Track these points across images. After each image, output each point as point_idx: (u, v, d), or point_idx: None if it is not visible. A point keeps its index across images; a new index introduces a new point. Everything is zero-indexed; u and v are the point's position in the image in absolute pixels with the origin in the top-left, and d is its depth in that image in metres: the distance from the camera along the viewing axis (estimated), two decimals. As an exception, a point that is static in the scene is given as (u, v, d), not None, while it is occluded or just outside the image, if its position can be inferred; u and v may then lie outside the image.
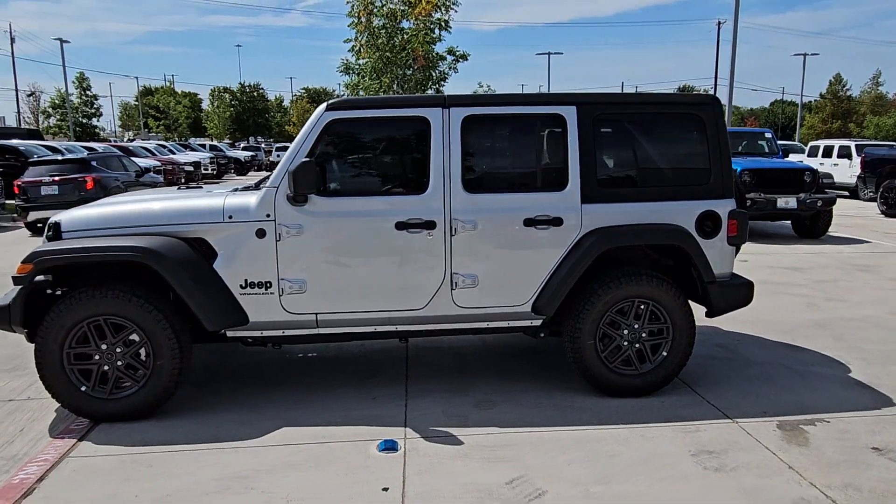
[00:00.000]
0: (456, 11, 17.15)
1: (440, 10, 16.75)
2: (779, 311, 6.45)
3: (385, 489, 3.18)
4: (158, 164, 23.82)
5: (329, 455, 3.51)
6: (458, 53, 17.98)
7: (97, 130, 42.06)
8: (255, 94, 55.88)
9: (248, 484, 3.23)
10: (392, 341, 5.03)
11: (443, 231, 4.04)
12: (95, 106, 40.71)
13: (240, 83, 53.88)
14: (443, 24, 16.96)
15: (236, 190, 4.31)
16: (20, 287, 3.80)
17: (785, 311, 6.47)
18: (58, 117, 41.07)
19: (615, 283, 4.10)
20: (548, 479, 3.25)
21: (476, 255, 4.10)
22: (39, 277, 3.86)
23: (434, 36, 17.07)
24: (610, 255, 4.25)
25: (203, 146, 34.40)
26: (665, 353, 4.25)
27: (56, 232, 3.98)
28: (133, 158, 21.26)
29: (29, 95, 45.97)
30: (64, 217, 4.06)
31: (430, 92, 18.07)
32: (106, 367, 3.87)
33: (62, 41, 38.07)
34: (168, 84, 60.81)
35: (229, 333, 4.09)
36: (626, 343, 4.22)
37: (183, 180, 25.98)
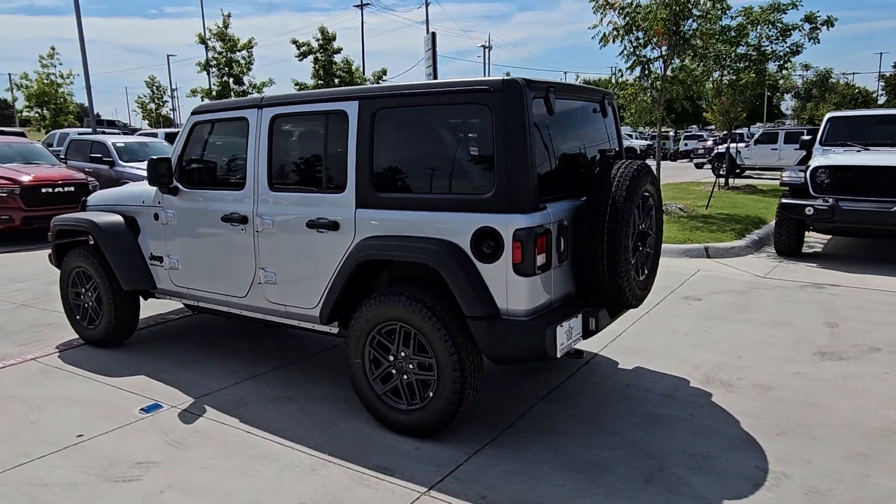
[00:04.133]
0: None
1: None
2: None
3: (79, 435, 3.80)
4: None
5: (110, 404, 4.27)
6: (817, 19, 14.57)
7: None
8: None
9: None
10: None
11: (252, 227, 4.24)
12: None
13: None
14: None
15: None
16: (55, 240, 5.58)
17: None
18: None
19: (375, 300, 3.65)
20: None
21: (274, 253, 4.17)
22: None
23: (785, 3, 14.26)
24: (393, 268, 3.76)
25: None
26: (431, 394, 3.56)
27: (83, 206, 5.64)
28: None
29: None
30: (91, 196, 5.70)
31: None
32: (87, 305, 5.36)
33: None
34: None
35: (157, 295, 5.13)
36: (394, 371, 3.70)
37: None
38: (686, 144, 38.38)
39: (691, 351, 5.02)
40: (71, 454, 3.57)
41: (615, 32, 11.01)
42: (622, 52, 11.22)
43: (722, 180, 17.17)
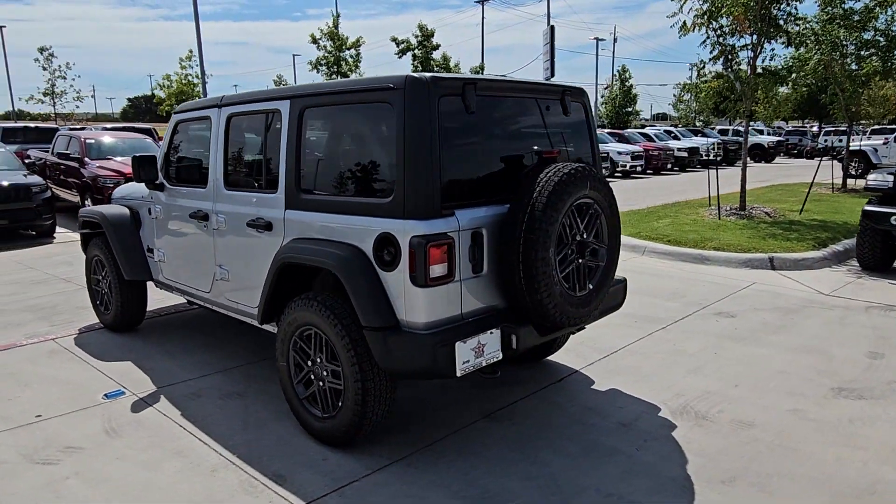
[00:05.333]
0: None
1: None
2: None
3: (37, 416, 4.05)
4: (640, 149, 24.84)
5: (84, 387, 4.52)
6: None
7: None
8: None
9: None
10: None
11: (211, 224, 4.32)
12: None
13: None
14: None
15: None
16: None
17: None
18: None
19: (295, 303, 3.58)
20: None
21: (227, 251, 4.22)
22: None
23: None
24: (325, 272, 3.69)
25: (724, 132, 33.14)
26: (340, 404, 3.44)
27: (111, 197, 6.03)
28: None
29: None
30: (117, 188, 6.07)
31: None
32: (103, 291, 5.73)
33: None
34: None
35: (157, 286, 5.39)
36: (313, 377, 3.61)
37: (669, 165, 26.36)
38: (826, 141, 34.90)
39: (684, 375, 4.50)
40: (19, 433, 3.82)
41: (697, 20, 10.16)
42: (704, 41, 10.34)
43: (839, 181, 15.42)
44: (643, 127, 38.51)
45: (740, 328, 5.50)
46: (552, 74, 49.48)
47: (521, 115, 3.64)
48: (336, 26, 24.12)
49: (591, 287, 3.55)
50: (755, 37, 10.02)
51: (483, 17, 52.05)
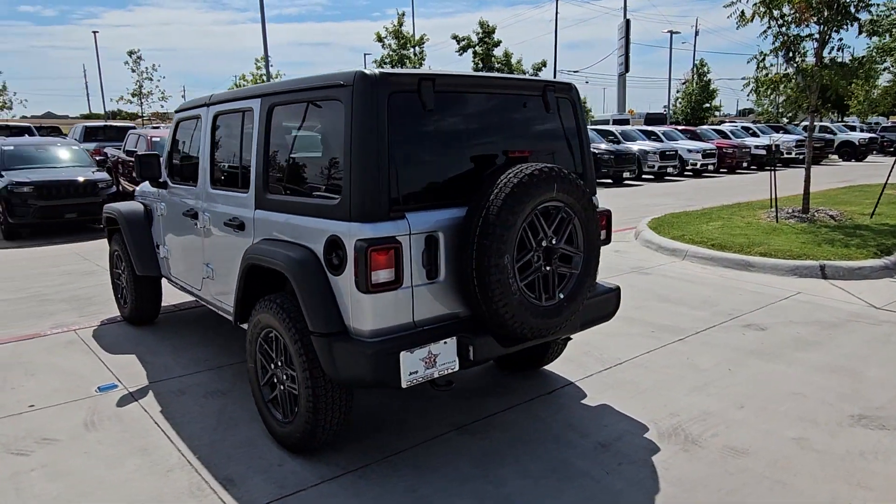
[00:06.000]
0: None
1: None
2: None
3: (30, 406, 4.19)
4: (712, 147, 23.69)
5: (83, 378, 4.64)
6: None
7: None
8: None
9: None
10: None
11: (200, 222, 4.33)
12: None
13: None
14: None
15: None
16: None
17: None
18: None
19: (259, 305, 3.52)
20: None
21: (211, 249, 4.23)
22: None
23: None
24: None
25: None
26: (297, 409, 3.36)
27: (133, 193, 6.21)
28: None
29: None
30: (140, 185, 6.24)
31: None
32: (122, 285, 5.90)
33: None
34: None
35: (169, 281, 5.50)
36: (276, 380, 3.55)
37: (745, 164, 25.02)
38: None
39: (687, 393, 4.16)
40: (6, 422, 3.95)
41: (756, 8, 9.50)
42: (764, 31, 9.66)
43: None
44: (721, 123, 36.76)
45: (767, 342, 5.06)
46: (626, 70, 48.07)
47: (491, 112, 3.43)
48: (400, 24, 24.28)
49: (561, 297, 3.31)
50: (821, 26, 9.26)
51: (557, 13, 51.25)
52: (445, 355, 3.08)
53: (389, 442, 3.59)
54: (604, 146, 20.36)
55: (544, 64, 20.45)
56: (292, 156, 3.56)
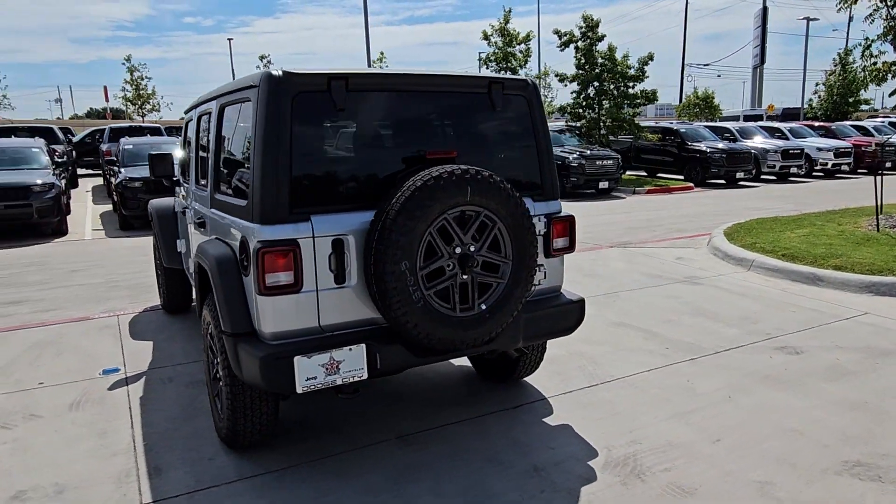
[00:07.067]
0: None
1: None
2: None
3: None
4: (847, 145, 21.40)
5: (97, 360, 5.01)
6: None
7: None
8: None
9: (67, 353, 5.23)
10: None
11: (187, 219, 4.53)
12: None
13: None
14: None
15: None
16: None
17: None
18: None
19: (205, 303, 3.61)
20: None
21: (193, 246, 4.39)
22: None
23: None
24: None
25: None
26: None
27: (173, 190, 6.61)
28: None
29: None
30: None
31: None
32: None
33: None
34: None
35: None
36: (218, 375, 3.62)
37: (888, 164, 22.35)
38: None
39: (663, 419, 3.77)
40: (12, 397, 4.33)
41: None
42: (870, 15, 8.55)
43: None
44: (872, 118, 33.01)
45: (792, 368, 4.47)
46: (761, 62, 44.68)
47: (420, 112, 3.29)
48: (506, 21, 24.01)
49: (483, 307, 3.10)
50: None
51: (687, 3, 48.45)
52: (351, 362, 2.99)
53: (325, 445, 3.56)
54: (720, 145, 18.99)
55: (651, 58, 19.40)
56: (227, 156, 3.62)
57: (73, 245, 10.50)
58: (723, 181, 18.74)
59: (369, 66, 20.82)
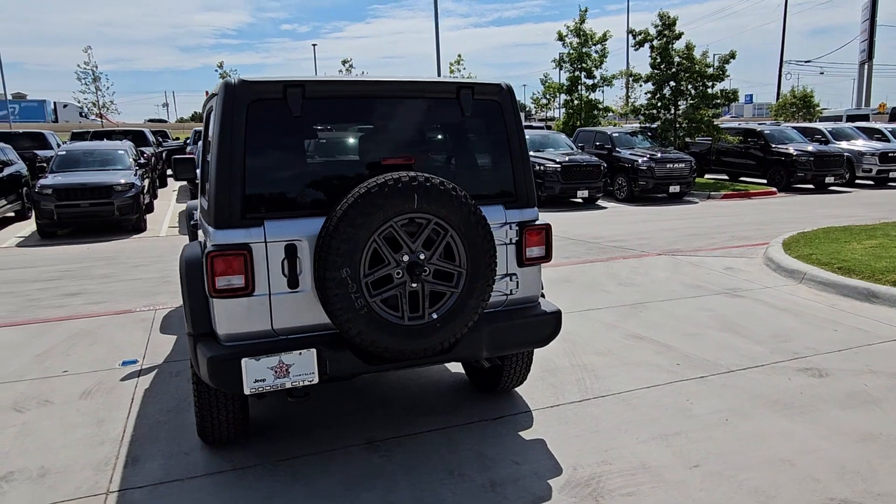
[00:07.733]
0: None
1: None
2: None
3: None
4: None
5: (120, 351, 5.30)
6: None
7: None
8: None
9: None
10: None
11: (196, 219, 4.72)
12: None
13: None
14: None
15: None
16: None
17: None
18: None
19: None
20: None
21: (198, 246, 4.57)
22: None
23: None
24: None
25: None
26: (199, 404, 3.53)
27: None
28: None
29: None
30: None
31: None
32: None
33: None
34: None
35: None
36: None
37: None
38: None
39: (643, 440, 3.57)
40: (34, 383, 4.66)
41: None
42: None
43: None
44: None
45: (809, 392, 4.13)
46: (869, 57, 41.60)
47: (381, 118, 3.27)
48: (582, 21, 23.53)
49: (434, 316, 3.05)
50: None
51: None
52: (301, 366, 3.02)
53: (293, 446, 3.61)
54: (807, 147, 17.78)
55: (733, 56, 18.36)
56: (204, 160, 3.74)
57: (147, 241, 11.17)
58: (810, 186, 17.58)
59: (438, 68, 20.95)
